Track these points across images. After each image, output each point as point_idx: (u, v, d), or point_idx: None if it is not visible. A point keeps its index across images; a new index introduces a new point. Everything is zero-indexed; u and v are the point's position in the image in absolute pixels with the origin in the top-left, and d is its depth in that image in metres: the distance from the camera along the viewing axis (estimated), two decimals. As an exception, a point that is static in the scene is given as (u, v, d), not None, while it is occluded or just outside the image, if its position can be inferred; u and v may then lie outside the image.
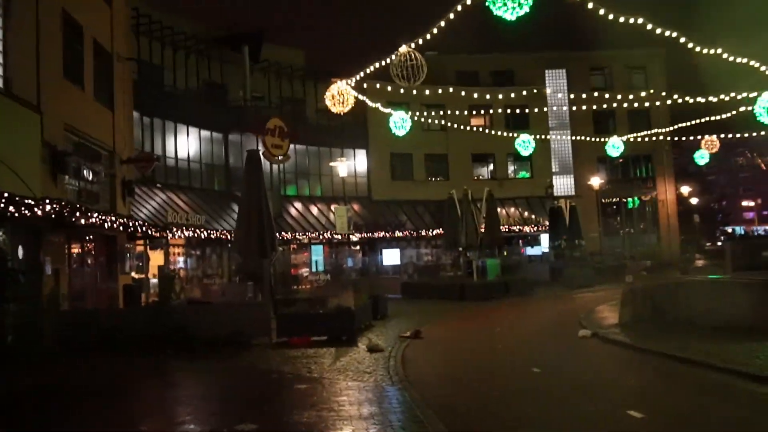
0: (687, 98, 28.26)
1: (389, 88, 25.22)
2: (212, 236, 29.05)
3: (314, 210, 39.11)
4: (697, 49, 18.72)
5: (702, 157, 42.68)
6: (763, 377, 9.65)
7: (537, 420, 8.40)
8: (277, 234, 26.44)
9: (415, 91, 25.30)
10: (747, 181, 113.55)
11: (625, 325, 16.09)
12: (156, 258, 24.79)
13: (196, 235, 27.41)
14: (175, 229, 25.40)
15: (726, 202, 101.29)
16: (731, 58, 19.95)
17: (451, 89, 41.66)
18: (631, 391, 9.88)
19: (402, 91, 30.13)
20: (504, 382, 11.04)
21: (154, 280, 20.65)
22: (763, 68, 21.01)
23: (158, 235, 20.06)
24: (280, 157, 35.78)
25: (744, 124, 35.64)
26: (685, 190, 53.01)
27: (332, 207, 38.33)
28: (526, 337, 16.60)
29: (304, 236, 36.74)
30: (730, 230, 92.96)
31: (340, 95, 22.24)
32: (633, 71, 49.97)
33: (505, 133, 37.88)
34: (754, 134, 38.01)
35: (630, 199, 51.01)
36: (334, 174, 39.45)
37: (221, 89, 36.46)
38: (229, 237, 28.01)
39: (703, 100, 27.08)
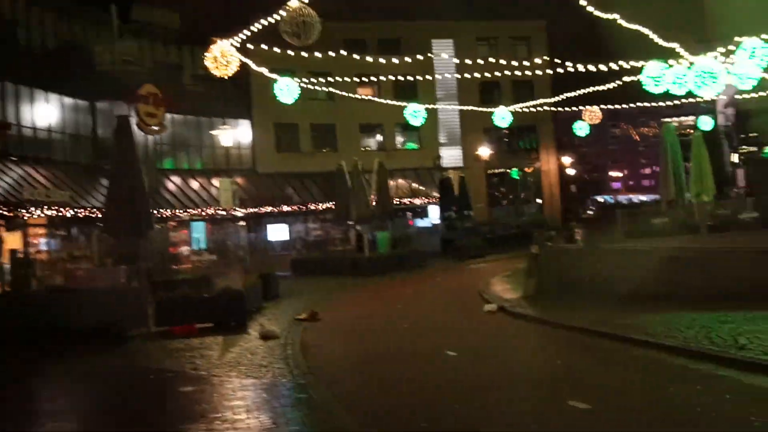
0: (576, 65, 27.91)
1: (277, 50, 23.24)
2: (79, 215, 26.30)
3: (194, 184, 36.61)
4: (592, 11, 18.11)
5: (581, 128, 43.24)
6: (688, 350, 8.95)
7: (471, 417, 7.23)
8: (154, 210, 24.22)
9: (305, 54, 23.61)
10: (616, 153, 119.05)
11: (531, 297, 15.39)
12: (12, 241, 21.97)
13: (59, 213, 24.64)
14: (33, 208, 22.60)
15: (597, 173, 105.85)
16: (621, 23, 19.56)
17: (339, 54, 39.99)
18: (562, 375, 8.94)
19: (291, 53, 28.35)
20: (419, 369, 9.83)
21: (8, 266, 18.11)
22: (652, 36, 20.85)
23: (11, 214, 17.50)
24: (155, 127, 33.13)
25: (627, 95, 36.29)
26: (567, 160, 54.10)
27: (214, 181, 35.98)
28: (430, 315, 15.59)
29: (184, 212, 34.29)
30: (601, 200, 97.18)
31: (223, 57, 20.29)
32: (517, 42, 50.22)
33: (394, 102, 36.66)
34: (638, 104, 38.72)
35: (515, 170, 51.34)
36: (215, 145, 36.96)
37: (86, 51, 32.89)
38: (98, 215, 25.40)
39: (593, 69, 26.80)
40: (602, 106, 38.71)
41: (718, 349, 8.52)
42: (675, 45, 21.85)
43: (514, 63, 40.03)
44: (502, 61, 40.02)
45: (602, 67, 26.64)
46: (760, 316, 10.45)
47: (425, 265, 29.15)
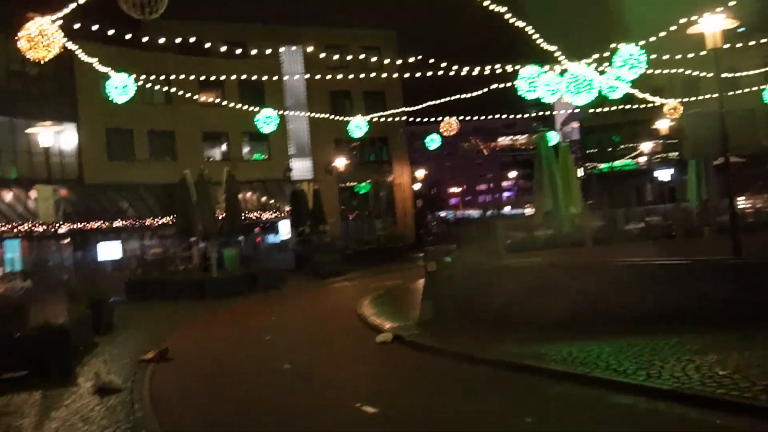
0: (449, 68, 26.31)
1: (112, 30, 19.79)
2: None
3: (7, 195, 31.27)
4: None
5: (433, 141, 42.38)
6: (685, 395, 6.95)
7: None
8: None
9: (144, 38, 20.50)
10: (452, 169, 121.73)
11: (428, 324, 13.15)
12: None
13: None
14: None
15: (436, 189, 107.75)
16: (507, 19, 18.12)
17: (179, 55, 36.55)
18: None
19: (122, 49, 24.73)
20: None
21: None
22: (535, 36, 19.65)
23: None
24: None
25: (488, 107, 35.69)
26: (420, 174, 53.24)
27: (33, 193, 30.88)
28: (312, 348, 12.86)
29: (-6, 229, 29.07)
30: (444, 215, 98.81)
31: (41, 36, 16.53)
32: (368, 51, 48.60)
33: (244, 107, 33.38)
34: (495, 116, 38.33)
35: (366, 184, 49.48)
36: (33, 151, 31.79)
37: None
38: None
39: (463, 72, 25.30)
40: (460, 118, 37.90)
41: (726, 393, 6.56)
42: (554, 48, 20.80)
43: (365, 72, 38.76)
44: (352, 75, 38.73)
45: (474, 72, 25.32)
46: (725, 339, 8.80)
47: (283, 286, 26.25)
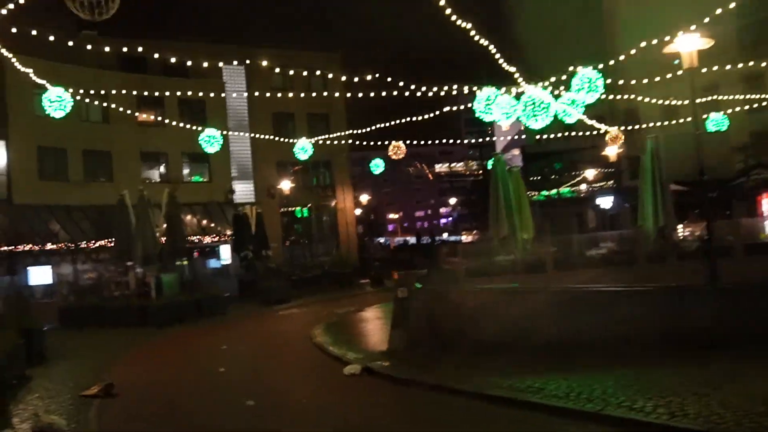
0: (410, 87, 25.70)
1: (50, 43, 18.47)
2: None
3: (-74, 216, 29.20)
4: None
5: (377, 165, 41.82)
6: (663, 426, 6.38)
7: None
8: None
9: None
10: (391, 195, 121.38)
11: (400, 354, 12.33)
12: None
13: None
14: None
15: (374, 215, 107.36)
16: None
17: (117, 72, 35.17)
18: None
19: (57, 65, 23.37)
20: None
21: None
22: (497, 56, 19.34)
23: None
24: None
25: (443, 128, 35.29)
26: (365, 198, 52.54)
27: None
28: (274, 381, 11.83)
29: None
30: (383, 240, 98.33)
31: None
32: (313, 72, 47.85)
33: (183, 126, 32.00)
34: (443, 141, 38.03)
35: (305, 209, 48.29)
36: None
37: None
38: None
39: (419, 94, 24.78)
40: (406, 142, 37.39)
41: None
42: (513, 69, 20.51)
43: (310, 93, 38.05)
44: (301, 94, 37.90)
45: (429, 93, 24.85)
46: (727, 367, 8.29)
47: (228, 312, 24.98)
